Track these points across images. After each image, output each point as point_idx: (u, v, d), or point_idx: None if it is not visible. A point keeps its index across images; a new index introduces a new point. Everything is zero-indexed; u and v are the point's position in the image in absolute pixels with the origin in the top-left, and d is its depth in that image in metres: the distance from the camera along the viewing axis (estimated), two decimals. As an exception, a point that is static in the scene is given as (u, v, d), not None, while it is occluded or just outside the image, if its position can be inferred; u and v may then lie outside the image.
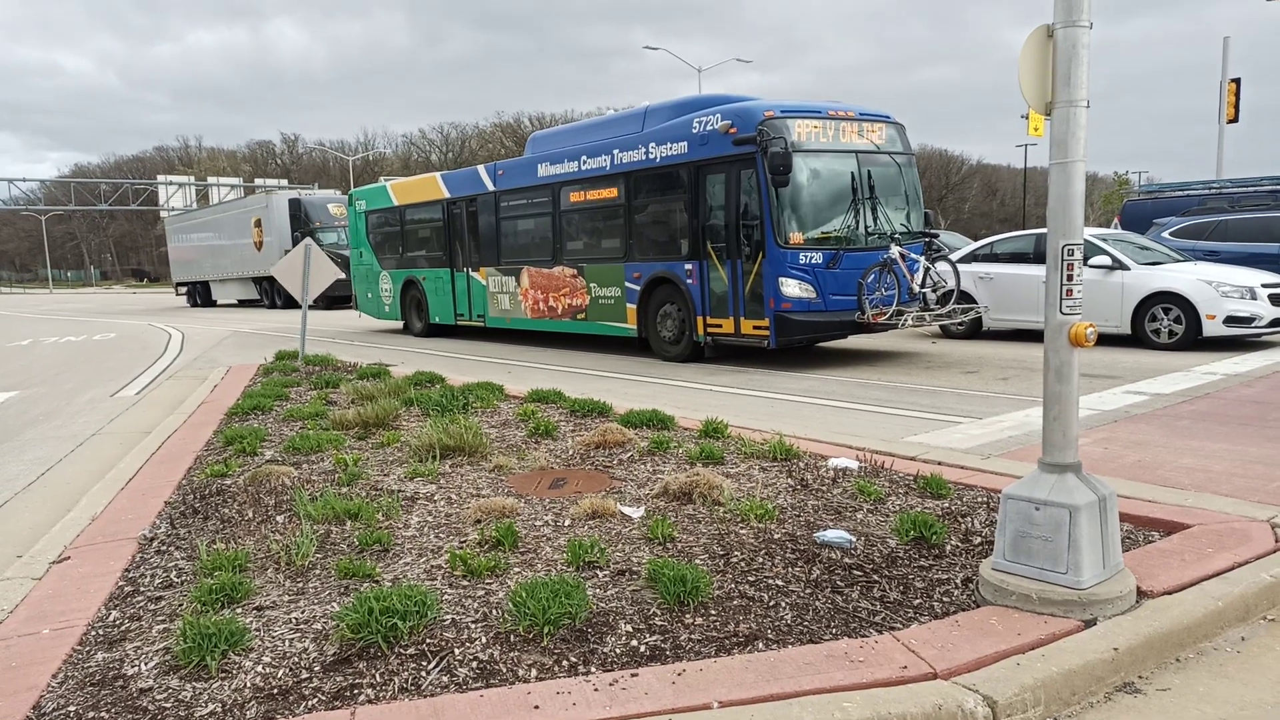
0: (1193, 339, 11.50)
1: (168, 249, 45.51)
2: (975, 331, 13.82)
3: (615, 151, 13.02)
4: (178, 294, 44.76)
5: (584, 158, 13.61)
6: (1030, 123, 28.11)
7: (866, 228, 11.22)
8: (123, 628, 3.53)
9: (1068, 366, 3.48)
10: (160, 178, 70.91)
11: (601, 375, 11.37)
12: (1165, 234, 15.30)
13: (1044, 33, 3.42)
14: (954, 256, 13.42)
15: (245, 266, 34.58)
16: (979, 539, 4.16)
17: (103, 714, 2.86)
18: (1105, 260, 12.18)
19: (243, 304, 37.69)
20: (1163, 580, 3.60)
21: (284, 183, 58.08)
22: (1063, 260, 3.43)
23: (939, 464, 5.51)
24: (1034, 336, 13.20)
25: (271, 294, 33.32)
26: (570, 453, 6.16)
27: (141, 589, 3.94)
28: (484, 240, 15.96)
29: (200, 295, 40.25)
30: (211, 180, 69.97)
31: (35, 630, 3.52)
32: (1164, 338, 11.71)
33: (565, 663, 3.09)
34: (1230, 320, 11.39)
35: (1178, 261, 12.73)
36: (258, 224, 32.85)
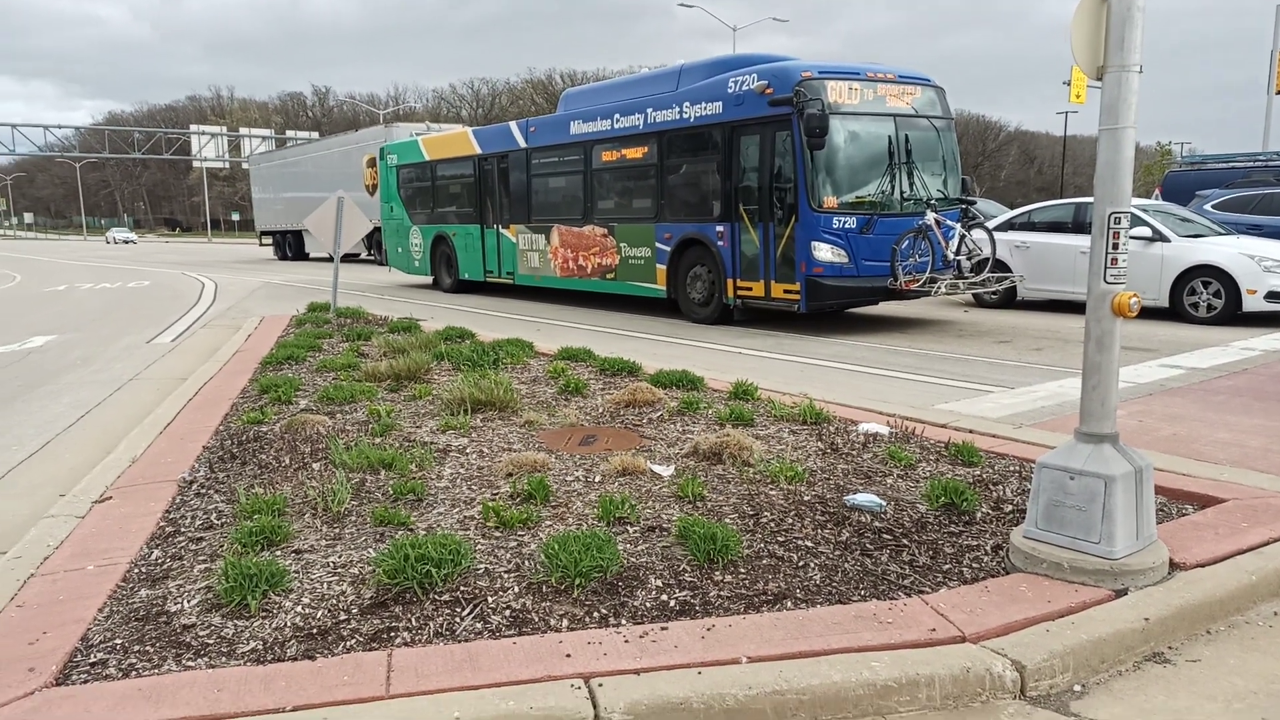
0: (1232, 313, 11.31)
1: (251, 193, 40.55)
2: (1009, 301, 13.66)
3: (649, 110, 12.91)
4: (262, 244, 40.66)
5: (617, 116, 13.50)
6: (1072, 89, 27.54)
7: (902, 193, 11.08)
8: (165, 566, 3.62)
9: (1109, 336, 3.44)
10: (193, 127, 71.25)
11: (630, 335, 11.38)
12: (1207, 206, 15.00)
13: (1100, -6, 3.33)
14: (991, 224, 13.23)
15: None
16: (1010, 507, 4.16)
17: (148, 647, 2.95)
18: (1145, 231, 11.96)
19: (347, 260, 30.28)
20: (1196, 553, 3.59)
21: (315, 135, 57.89)
22: (1109, 228, 3.37)
23: (970, 432, 5.49)
24: (1069, 308, 13.05)
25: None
26: (600, 410, 6.19)
27: (182, 529, 4.03)
28: (515, 197, 15.93)
29: (291, 247, 35.41)
30: (243, 131, 70.24)
31: (80, 566, 3.62)
32: (1202, 311, 11.52)
33: (596, 614, 3.14)
34: (1271, 295, 11.18)
35: (1220, 235, 12.48)
36: (371, 163, 26.67)
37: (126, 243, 67.32)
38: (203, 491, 4.55)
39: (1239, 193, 15.13)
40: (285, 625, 3.06)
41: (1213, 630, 3.24)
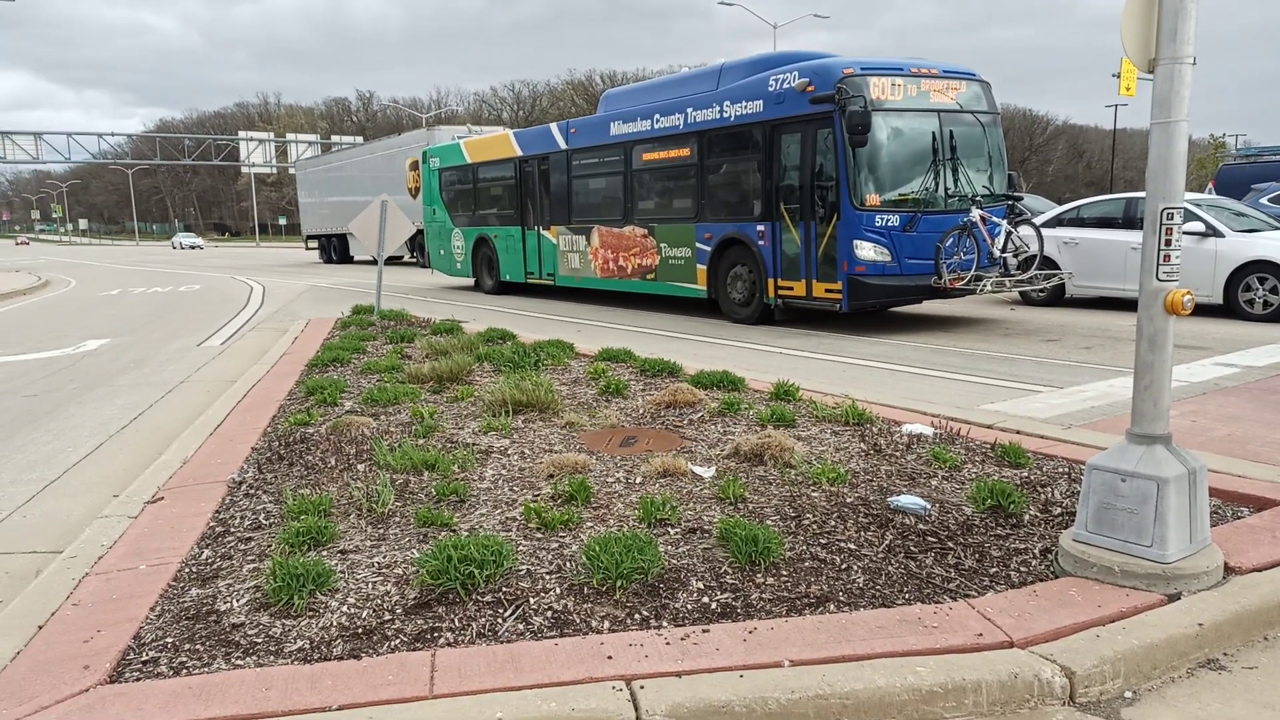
0: (1289, 310, 11.00)
1: (297, 198, 41.40)
2: (1057, 299, 13.42)
3: (689, 110, 12.88)
4: (308, 248, 40.98)
5: (657, 116, 13.49)
6: (1121, 81, 26.93)
7: (946, 189, 10.93)
8: (214, 566, 3.69)
9: (1162, 335, 3.36)
10: (241, 134, 72.65)
11: (670, 336, 11.37)
12: (1263, 200, 14.61)
13: (1150, -16, 3.26)
14: (1038, 220, 13.01)
15: None
16: (1059, 510, 4.08)
17: (198, 646, 3.00)
18: (1199, 226, 11.67)
19: (390, 262, 28.58)
20: (1251, 557, 3.49)
21: (359, 140, 58.71)
22: (1161, 224, 3.29)
23: (1017, 433, 5.39)
24: (1119, 305, 12.78)
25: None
26: (641, 411, 6.19)
27: (231, 530, 4.10)
28: (555, 199, 16.00)
29: (336, 250, 36.02)
30: (290, 137, 71.45)
31: (133, 566, 3.70)
32: (1258, 308, 11.22)
33: (637, 616, 3.14)
34: (1331, 291, 10.85)
35: (1276, 229, 12.13)
36: (414, 166, 25.95)
37: (193, 248, 68.58)
38: (251, 492, 4.63)
39: (1297, 185, 14.71)
40: (331, 625, 3.10)
41: (1270, 637, 3.15)
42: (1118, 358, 8.68)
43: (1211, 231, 11.67)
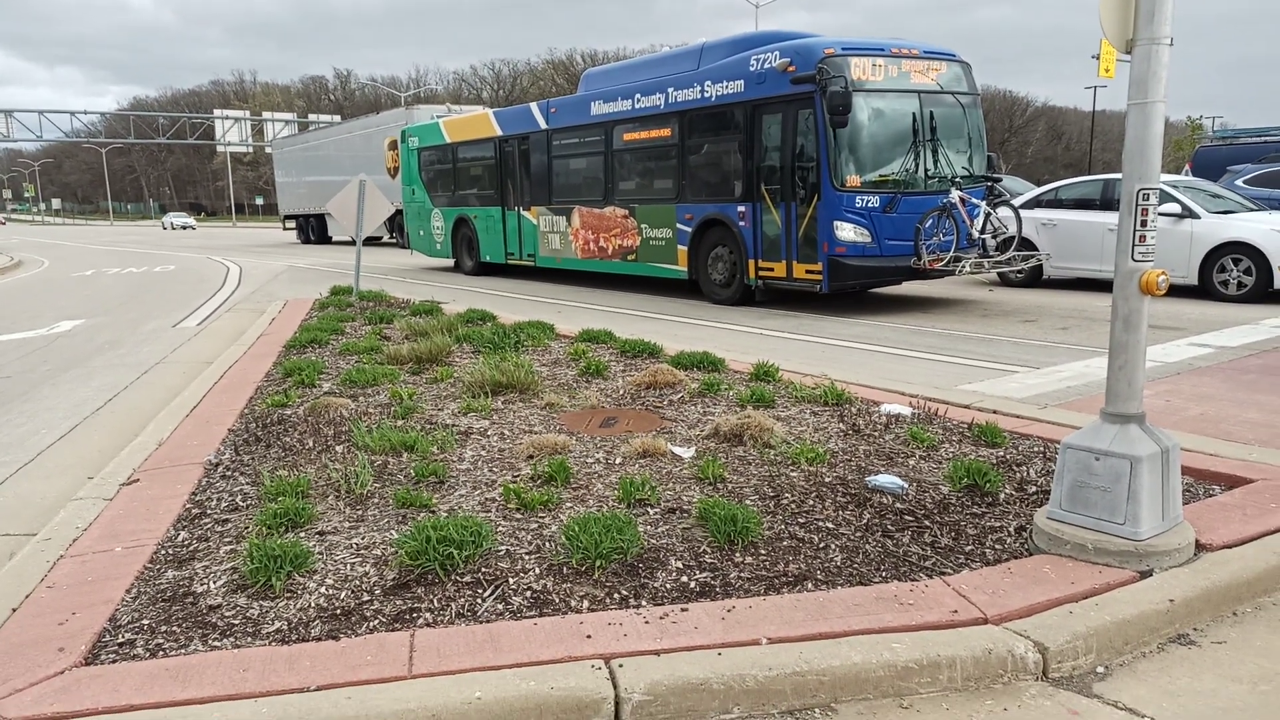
0: (1263, 291, 11.12)
1: (274, 178, 40.72)
2: (1035, 280, 13.51)
3: (670, 90, 12.82)
4: (285, 228, 40.53)
5: (637, 96, 13.42)
6: (1100, 63, 27.05)
7: (926, 171, 10.96)
8: (191, 548, 3.67)
9: (1137, 315, 3.39)
10: (216, 112, 71.63)
11: (651, 317, 11.36)
12: (1239, 182, 14.73)
13: (1128, -35, 3.26)
14: (1017, 202, 13.06)
15: None
16: (1034, 488, 4.12)
17: (174, 628, 2.99)
18: (1175, 208, 11.76)
19: (369, 243, 28.10)
20: (1222, 534, 3.54)
21: (337, 119, 58.09)
22: (1137, 205, 3.31)
23: (994, 412, 5.44)
24: (1096, 286, 12.88)
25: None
26: (621, 392, 6.19)
27: (208, 511, 4.08)
28: (535, 179, 15.91)
29: (314, 230, 35.61)
30: (266, 115, 70.57)
31: (108, 548, 3.67)
32: (1233, 289, 11.34)
33: (616, 595, 3.15)
34: (1304, 273, 10.98)
35: (1251, 210, 12.25)
36: (392, 145, 26.28)
37: (185, 228, 63.96)
38: (228, 474, 4.60)
39: (1271, 168, 14.84)
40: (309, 606, 3.10)
41: (1239, 612, 3.20)
42: (1094, 338, 8.76)
43: (1187, 213, 11.76)
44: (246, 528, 3.82)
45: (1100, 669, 2.85)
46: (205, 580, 3.34)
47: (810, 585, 3.23)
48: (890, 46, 11.01)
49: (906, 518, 3.82)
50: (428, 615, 3.02)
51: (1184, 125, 54.37)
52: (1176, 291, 11.52)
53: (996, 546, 3.55)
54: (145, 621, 3.04)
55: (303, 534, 3.71)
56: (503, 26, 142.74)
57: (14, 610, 3.13)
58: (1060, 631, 2.86)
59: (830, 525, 3.74)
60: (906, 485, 4.14)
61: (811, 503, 3.98)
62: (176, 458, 4.93)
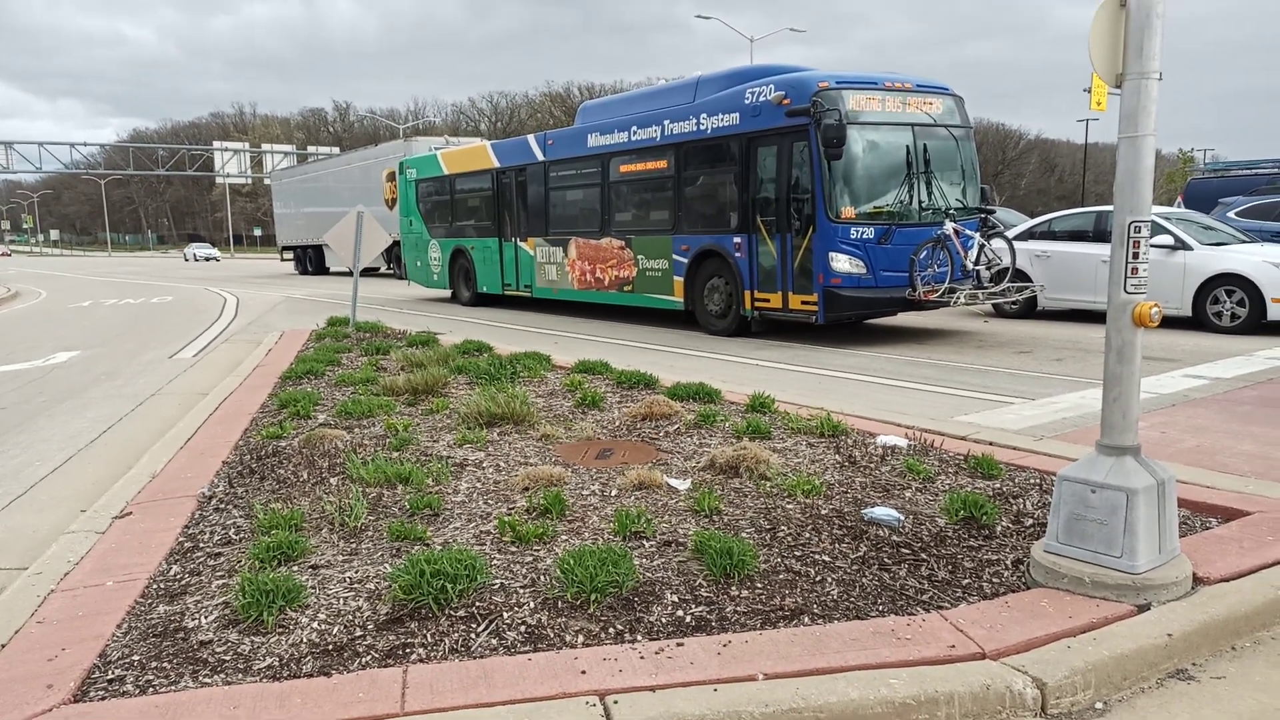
0: (1256, 322, 11.17)
1: (273, 209, 40.95)
2: (1030, 311, 13.56)
3: (665, 122, 12.93)
4: (283, 259, 40.55)
5: (634, 128, 13.53)
6: (1092, 96, 27.32)
7: (921, 202, 11.03)
8: (183, 582, 3.64)
9: (1130, 347, 3.40)
10: (216, 144, 72.08)
11: (647, 348, 11.38)
12: (1231, 213, 14.84)
13: (1116, 2, 3.31)
14: (1010, 233, 13.14)
15: None
16: (1030, 521, 4.11)
17: (165, 664, 2.96)
18: (1167, 240, 11.84)
19: (366, 274, 29.63)
20: (1220, 567, 3.53)
21: (336, 150, 58.46)
22: (1129, 237, 3.34)
23: (990, 444, 5.43)
24: (1091, 317, 12.93)
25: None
26: (617, 424, 6.18)
27: (201, 545, 4.05)
28: (532, 210, 15.99)
29: (312, 261, 35.60)
30: (265, 147, 71.01)
31: (100, 582, 3.64)
32: (1226, 321, 11.39)
33: (612, 630, 3.12)
34: (1297, 304, 11.03)
35: (1243, 242, 12.33)
36: (390, 177, 26.43)
37: (208, 259, 60.20)
38: (221, 507, 4.57)
39: (1263, 200, 14.96)
40: (301, 641, 3.07)
41: (1238, 646, 3.18)
42: (1089, 369, 8.77)
43: (1180, 244, 11.84)
44: (239, 561, 3.80)
45: (1099, 705, 2.83)
46: (197, 615, 3.31)
47: (807, 619, 3.20)
48: (884, 80, 11.13)
49: (903, 551, 3.80)
50: (421, 651, 2.99)
51: (1176, 157, 54.87)
52: (1170, 323, 11.58)
53: (994, 580, 3.53)
54: (135, 657, 3.01)
55: (295, 568, 3.68)
56: (501, 60, 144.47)
57: (3, 646, 3.10)
58: (1058, 667, 2.84)
59: (827, 558, 3.72)
60: (903, 518, 4.13)
61: (808, 535, 3.96)
62: (170, 490, 4.90)
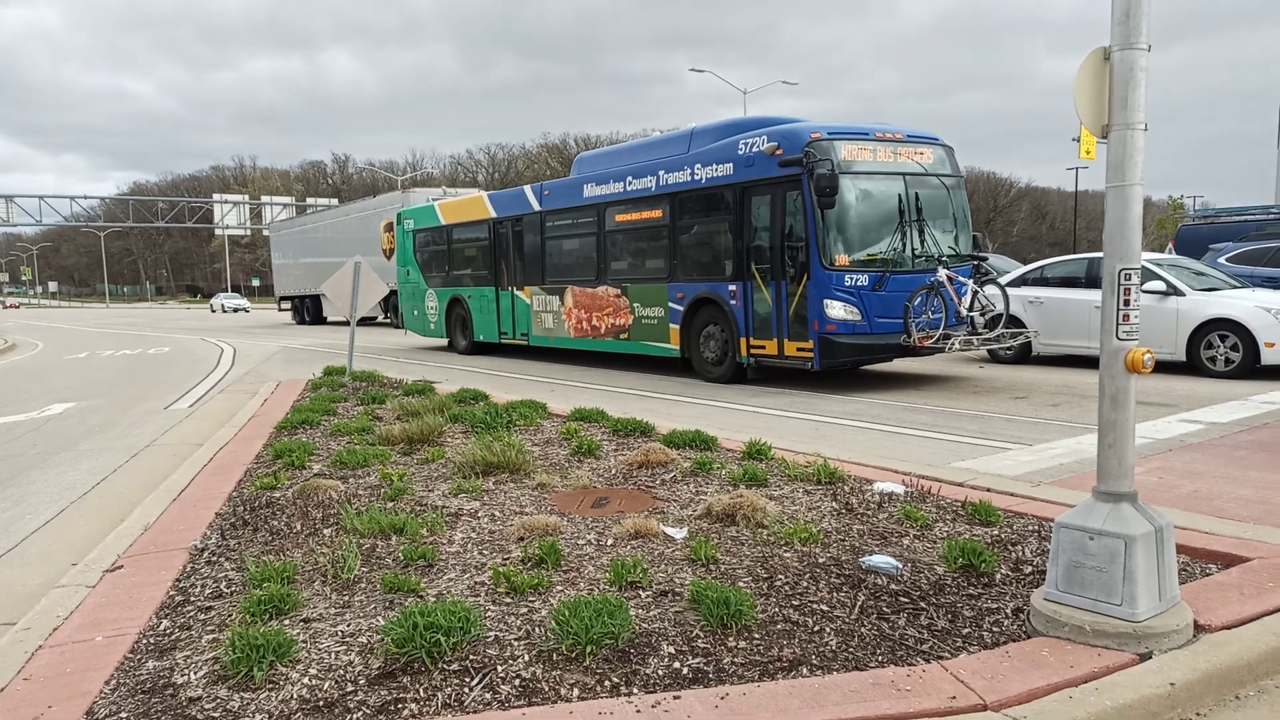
0: (1250, 367, 11.20)
1: (271, 259, 41.33)
2: (1024, 356, 13.60)
3: (661, 172, 13.08)
4: (281, 309, 40.64)
5: (629, 178, 13.68)
6: (1081, 145, 27.74)
7: (913, 250, 11.12)
8: (173, 636, 3.59)
9: (1124, 393, 3.41)
10: (215, 196, 72.69)
11: (644, 395, 11.37)
12: (1222, 259, 14.96)
13: (1101, 55, 3.38)
14: (1003, 280, 13.23)
15: None
16: (1030, 568, 4.08)
17: (153, 721, 2.91)
18: (1160, 286, 11.92)
19: (363, 323, 27.89)
20: (1221, 614, 3.50)
21: (335, 202, 58.95)
22: (1119, 285, 3.36)
23: (987, 490, 5.41)
24: (1085, 362, 12.96)
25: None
26: (613, 472, 6.16)
27: (192, 599, 4.00)
28: (529, 259, 16.10)
29: (309, 311, 35.77)
30: (265, 199, 71.61)
31: (89, 637, 3.59)
32: (1220, 365, 11.42)
33: (607, 683, 3.08)
34: (1290, 348, 11.07)
35: (1235, 288, 12.42)
36: (388, 228, 26.89)
37: (237, 310, 57.58)
38: (213, 559, 4.53)
39: (1253, 245, 15.09)
40: (292, 697, 3.02)
41: (1242, 695, 3.14)
42: (1085, 415, 8.77)
43: (1173, 290, 11.92)
44: (230, 615, 3.75)
45: (1103, 756, 2.78)
46: (186, 671, 3.26)
47: (805, 670, 3.16)
48: (875, 131, 11.29)
49: (902, 599, 3.76)
50: (413, 706, 2.95)
51: (1166, 204, 55.49)
52: (1165, 368, 11.61)
53: (994, 629, 3.49)
54: (123, 715, 2.95)
55: (287, 621, 3.64)
56: (499, 113, 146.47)
57: (-12, 704, 3.05)
58: (1060, 718, 2.80)
59: (825, 608, 3.69)
60: (901, 566, 4.10)
61: (806, 584, 3.93)
62: (162, 543, 4.86)
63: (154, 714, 2.95)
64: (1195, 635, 3.35)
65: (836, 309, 10.67)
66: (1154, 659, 3.17)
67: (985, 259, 12.35)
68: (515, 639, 3.42)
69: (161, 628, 3.68)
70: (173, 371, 16.92)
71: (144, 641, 3.55)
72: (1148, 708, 2.92)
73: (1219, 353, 11.45)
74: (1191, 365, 11.63)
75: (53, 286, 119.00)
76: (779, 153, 11.04)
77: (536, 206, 15.82)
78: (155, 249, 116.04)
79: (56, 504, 6.55)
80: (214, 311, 58.61)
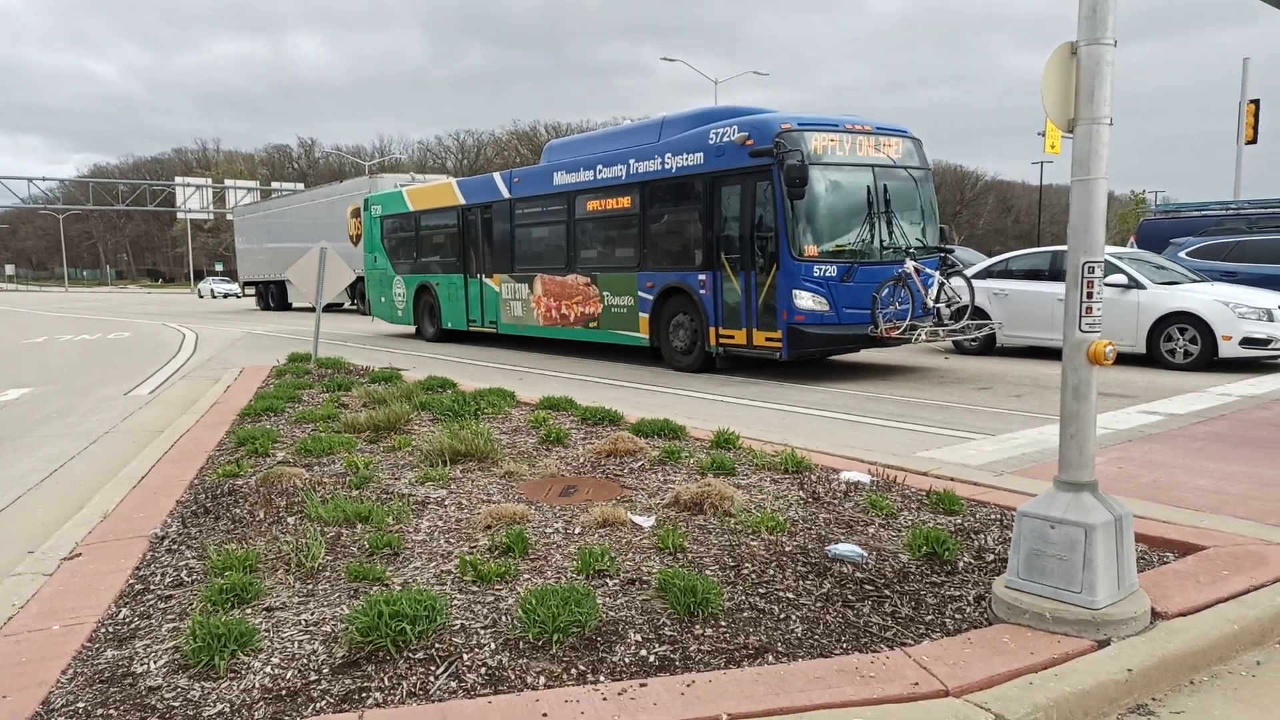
0: (1208, 360, 11.42)
1: (235, 244, 40.61)
2: (989, 348, 13.76)
3: (631, 161, 13.05)
4: (244, 294, 40.13)
5: (600, 167, 13.63)
6: (1046, 139, 28.07)
7: (881, 242, 11.20)
8: (132, 625, 3.54)
9: (1086, 385, 3.46)
10: (178, 179, 71.34)
11: (613, 384, 11.36)
12: (1182, 254, 15.22)
13: (1067, 50, 3.41)
14: (969, 272, 13.37)
15: None
16: (992, 556, 4.13)
17: (111, 711, 2.86)
18: (1121, 279, 12.12)
19: (329, 309, 26.88)
20: (1178, 602, 3.57)
21: (300, 186, 58.15)
22: (1083, 277, 3.41)
23: (951, 480, 5.48)
24: (1048, 354, 13.14)
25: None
26: (581, 460, 6.15)
27: (152, 587, 3.95)
28: (498, 247, 16.00)
29: (274, 297, 35.56)
30: (229, 183, 70.46)
31: (45, 626, 3.53)
32: (1179, 358, 11.63)
33: (574, 671, 3.08)
34: (1247, 342, 11.31)
35: (1194, 282, 12.65)
36: (355, 213, 26.62)
37: (226, 296, 54.99)
38: (174, 548, 4.46)
39: (1212, 240, 15.37)
40: (254, 686, 2.98)
41: (1196, 681, 3.21)
42: (1047, 405, 8.90)
43: (1134, 283, 12.11)
44: (191, 604, 3.70)
45: (1061, 741, 2.83)
46: (146, 660, 3.21)
47: (771, 658, 3.18)
48: (844, 122, 11.33)
49: (867, 587, 3.80)
50: (378, 695, 2.93)
51: (1129, 199, 56.33)
52: (1126, 360, 11.80)
53: (956, 616, 3.54)
54: (81, 705, 2.91)
55: (249, 610, 3.59)
56: (468, 99, 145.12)
57: (-60, 694, 2.98)
58: (1020, 703, 2.84)
59: (791, 595, 3.71)
60: (866, 554, 4.13)
61: (772, 572, 3.95)
62: (121, 531, 4.78)
63: (112, 703, 2.91)
64: (1152, 622, 3.41)
65: (805, 299, 10.72)
66: (1112, 645, 3.22)
67: (952, 251, 12.46)
68: (482, 627, 3.41)
69: (121, 616, 3.63)
70: (133, 357, 16.63)
71: (103, 630, 3.49)
72: (1105, 693, 2.98)
73: (1178, 345, 11.66)
74: (1151, 357, 11.84)
75: (9, 270, 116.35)
76: (749, 143, 11.04)
77: (506, 194, 15.72)
78: (116, 232, 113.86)
79: (12, 491, 6.41)
80: (202, 297, 56.75)
